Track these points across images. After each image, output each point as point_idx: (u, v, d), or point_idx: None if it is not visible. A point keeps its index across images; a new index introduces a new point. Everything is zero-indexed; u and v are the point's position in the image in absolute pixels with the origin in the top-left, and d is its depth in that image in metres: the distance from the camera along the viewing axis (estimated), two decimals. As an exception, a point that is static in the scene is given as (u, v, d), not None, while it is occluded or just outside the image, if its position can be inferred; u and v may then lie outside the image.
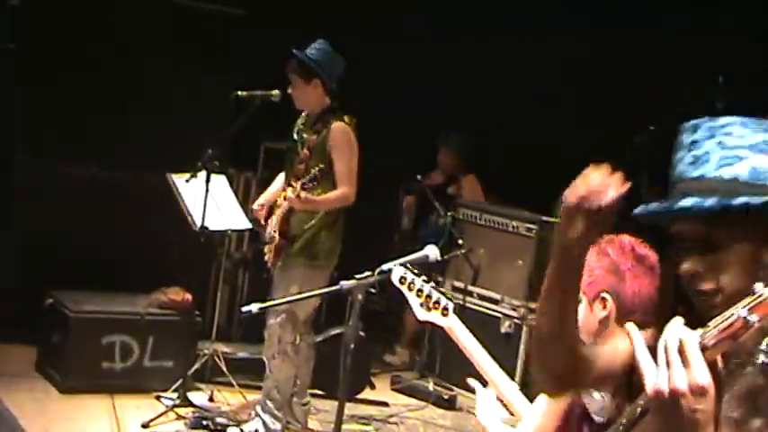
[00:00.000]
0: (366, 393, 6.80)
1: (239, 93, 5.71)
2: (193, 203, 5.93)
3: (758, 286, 1.30)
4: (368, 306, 7.55)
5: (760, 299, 1.30)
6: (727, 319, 1.32)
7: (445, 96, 8.00)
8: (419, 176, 7.52)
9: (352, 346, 3.85)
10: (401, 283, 3.52)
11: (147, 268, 6.78)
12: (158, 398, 6.15)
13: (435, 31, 8.16)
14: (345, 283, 3.80)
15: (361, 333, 6.04)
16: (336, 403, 3.91)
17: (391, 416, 6.59)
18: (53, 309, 6.32)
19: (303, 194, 5.26)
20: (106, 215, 7.05)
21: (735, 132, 1.63)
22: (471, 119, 8.04)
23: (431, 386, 6.95)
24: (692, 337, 1.35)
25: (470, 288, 7.19)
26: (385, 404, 6.79)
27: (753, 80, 6.43)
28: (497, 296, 7.06)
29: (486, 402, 3.01)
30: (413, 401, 6.94)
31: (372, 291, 3.87)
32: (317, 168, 5.34)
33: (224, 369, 6.24)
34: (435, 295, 3.37)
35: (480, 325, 7.16)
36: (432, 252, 3.85)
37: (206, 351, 6.34)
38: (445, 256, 6.49)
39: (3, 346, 6.58)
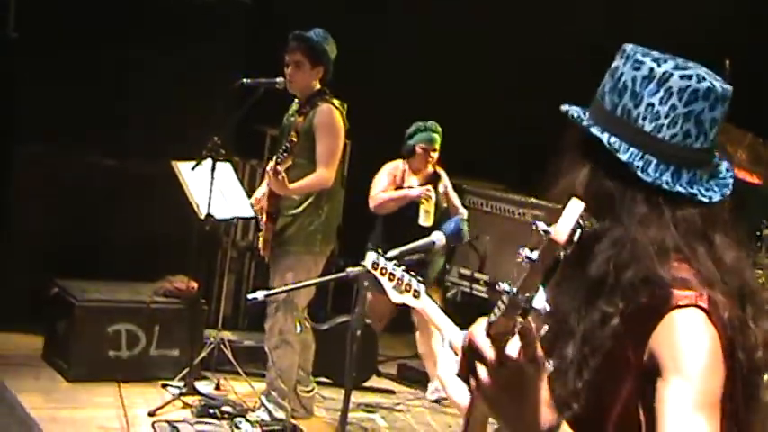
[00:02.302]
0: (373, 381, 6.79)
1: (244, 80, 5.69)
2: (199, 191, 5.91)
3: (519, 257, 1.37)
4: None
5: (519, 272, 1.37)
6: (503, 296, 1.41)
7: (450, 85, 7.99)
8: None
9: (359, 333, 3.84)
10: (374, 268, 3.52)
11: (153, 257, 6.79)
12: (165, 386, 6.15)
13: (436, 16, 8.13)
14: (352, 270, 3.78)
15: (368, 321, 6.03)
16: (343, 391, 3.91)
17: (398, 404, 6.59)
18: (59, 298, 6.32)
19: (280, 169, 5.23)
20: (111, 204, 7.05)
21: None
22: (475, 107, 8.02)
23: (437, 373, 6.92)
24: (479, 331, 1.46)
25: (477, 275, 7.19)
26: (392, 392, 6.79)
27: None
28: (504, 283, 7.03)
29: (445, 359, 3.13)
30: (419, 389, 6.93)
31: (378, 278, 3.85)
32: (290, 142, 5.31)
33: (230, 357, 6.23)
34: (407, 278, 3.41)
35: (487, 312, 7.22)
36: (438, 238, 3.83)
37: (212, 339, 6.33)
38: (451, 244, 6.46)
39: (9, 336, 6.61)
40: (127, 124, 7.06)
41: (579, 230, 1.37)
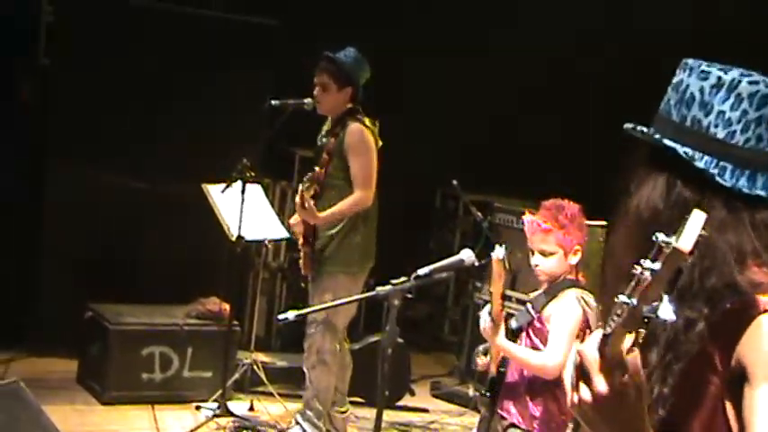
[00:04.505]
0: (406, 400, 6.77)
1: (272, 101, 5.70)
2: (229, 213, 5.94)
3: (637, 269, 1.39)
4: (407, 313, 7.60)
5: (638, 284, 1.39)
6: (618, 308, 1.43)
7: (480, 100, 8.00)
8: (455, 181, 7.45)
9: (390, 351, 3.83)
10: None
11: (185, 279, 6.81)
12: (198, 408, 6.16)
13: (471, 33, 8.14)
14: (381, 289, 3.78)
15: (400, 340, 6.02)
16: (376, 410, 3.89)
17: (432, 422, 6.56)
18: (93, 321, 6.36)
19: (309, 203, 5.24)
20: (143, 226, 7.11)
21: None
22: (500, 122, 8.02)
23: (471, 392, 6.90)
24: (590, 349, 1.47)
25: (508, 292, 7.14)
26: (425, 411, 6.76)
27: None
28: (536, 300, 6.99)
29: None
30: (453, 407, 6.90)
31: (409, 295, 3.85)
32: (319, 166, 5.30)
33: (263, 378, 6.23)
34: None
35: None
36: (467, 256, 3.82)
37: (245, 361, 6.34)
38: (482, 261, 6.43)
39: (44, 360, 6.66)
40: (158, 146, 7.11)
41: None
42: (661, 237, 1.39)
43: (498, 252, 3.71)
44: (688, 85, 1.74)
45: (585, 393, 1.47)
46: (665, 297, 1.39)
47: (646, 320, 1.41)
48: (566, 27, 7.91)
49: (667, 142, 1.72)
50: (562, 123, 7.98)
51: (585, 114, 7.77)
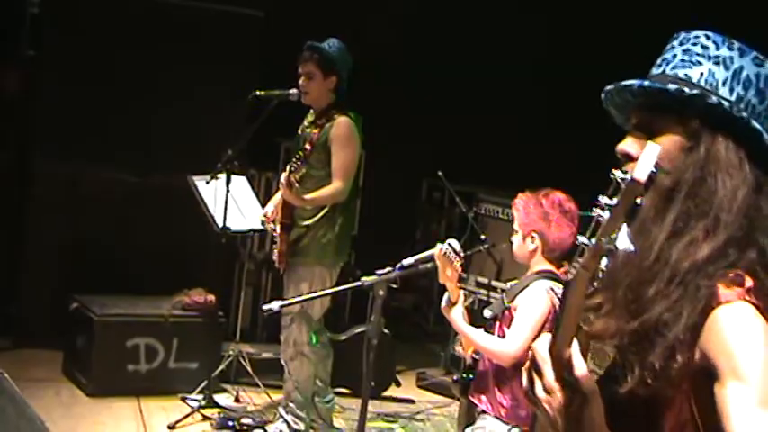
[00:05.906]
0: (392, 391, 6.78)
1: (257, 92, 5.69)
2: (214, 205, 5.93)
3: (595, 211, 1.41)
4: (393, 304, 7.61)
5: (596, 224, 1.41)
6: (579, 252, 1.45)
7: (466, 92, 8.00)
8: (440, 172, 7.47)
9: (375, 342, 3.84)
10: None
11: (170, 270, 6.81)
12: (184, 399, 6.17)
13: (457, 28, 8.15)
14: (367, 279, 3.79)
15: (385, 330, 6.03)
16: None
17: (418, 413, 6.58)
18: (78, 313, 6.35)
19: (294, 179, 5.21)
20: (129, 218, 7.09)
21: (701, 43, 1.76)
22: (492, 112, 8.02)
23: (457, 382, 6.91)
24: (541, 347, 1.53)
25: (494, 283, 7.17)
26: (411, 401, 6.78)
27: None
28: (521, 291, 7.01)
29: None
30: (439, 398, 6.92)
31: (394, 286, 3.86)
32: (303, 150, 5.30)
33: (249, 369, 6.24)
34: None
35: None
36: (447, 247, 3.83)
37: (231, 352, 6.34)
38: (468, 252, 6.44)
39: (29, 351, 6.65)
40: (144, 139, 7.09)
41: (654, 174, 1.41)
42: (618, 173, 1.41)
43: (441, 246, 3.71)
44: (742, 66, 1.74)
45: (541, 391, 1.53)
46: (623, 228, 1.39)
47: (608, 252, 1.41)
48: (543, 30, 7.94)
49: (755, 124, 1.70)
50: (549, 114, 7.99)
51: (570, 104, 7.79)
